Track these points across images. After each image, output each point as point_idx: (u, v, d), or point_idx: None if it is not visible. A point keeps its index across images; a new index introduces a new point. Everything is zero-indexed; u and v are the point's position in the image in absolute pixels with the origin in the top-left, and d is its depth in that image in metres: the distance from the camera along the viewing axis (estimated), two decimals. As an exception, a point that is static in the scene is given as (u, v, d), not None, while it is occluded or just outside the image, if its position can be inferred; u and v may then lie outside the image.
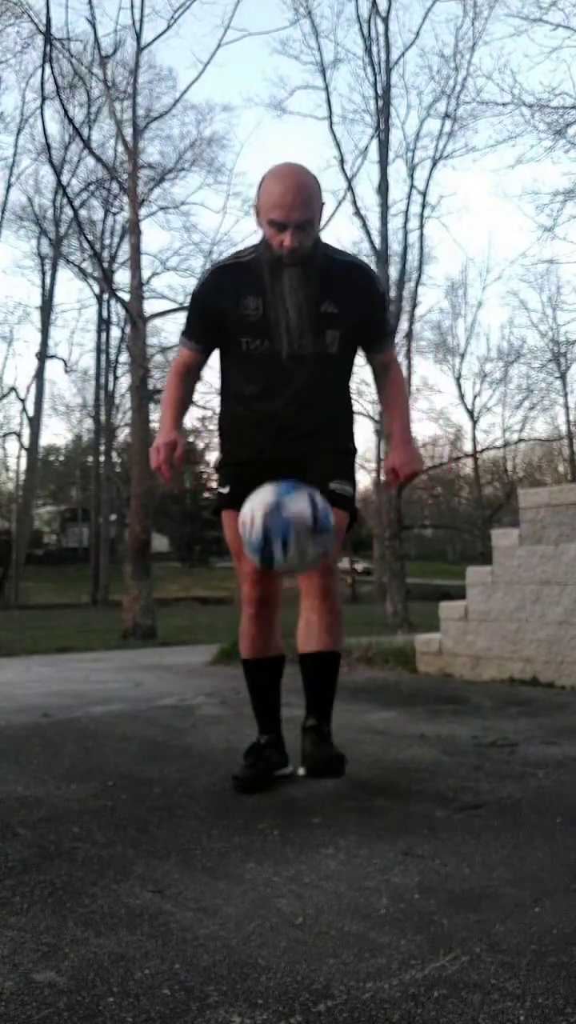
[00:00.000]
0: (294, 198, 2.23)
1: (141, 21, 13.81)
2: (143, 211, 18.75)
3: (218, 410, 2.61)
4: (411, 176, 17.47)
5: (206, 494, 43.64)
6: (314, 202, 2.28)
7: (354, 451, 2.56)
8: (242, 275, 2.36)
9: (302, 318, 2.32)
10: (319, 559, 2.18)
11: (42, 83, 13.00)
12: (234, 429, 2.50)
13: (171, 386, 2.56)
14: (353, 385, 2.63)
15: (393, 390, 2.56)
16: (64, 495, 45.16)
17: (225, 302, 2.37)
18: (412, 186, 17.46)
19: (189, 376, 2.54)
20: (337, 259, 2.41)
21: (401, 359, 17.72)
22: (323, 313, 2.34)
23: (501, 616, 4.72)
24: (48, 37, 11.66)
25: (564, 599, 4.43)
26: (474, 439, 31.33)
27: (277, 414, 2.38)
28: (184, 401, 2.56)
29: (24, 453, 31.40)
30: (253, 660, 2.50)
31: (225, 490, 2.46)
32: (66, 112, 14.15)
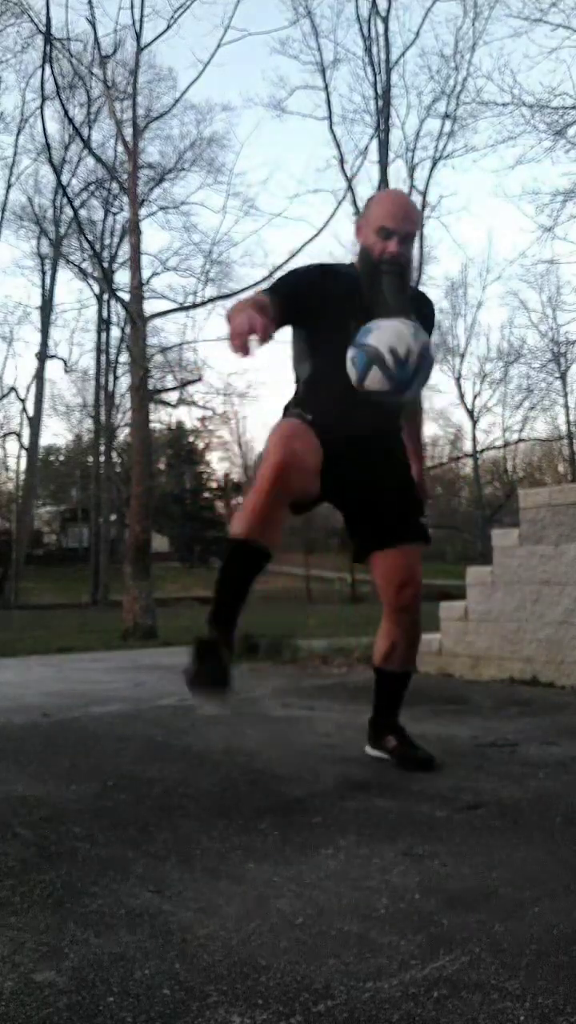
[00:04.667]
0: (405, 211, 2.49)
1: (141, 21, 13.81)
2: (143, 211, 18.78)
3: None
4: (411, 176, 17.53)
5: (206, 494, 43.69)
6: (418, 221, 2.58)
7: None
8: (346, 275, 2.51)
9: (400, 317, 2.35)
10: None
11: (42, 83, 13.03)
12: (324, 402, 2.38)
13: (246, 302, 2.27)
14: None
15: (416, 427, 2.77)
16: (64, 495, 45.14)
17: (331, 286, 2.45)
18: (412, 186, 17.50)
19: (261, 305, 2.25)
20: (413, 288, 2.62)
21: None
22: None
23: (501, 616, 4.72)
24: (48, 37, 11.66)
25: (564, 599, 4.43)
26: (474, 439, 31.36)
27: (368, 405, 2.34)
28: (266, 307, 2.26)
29: (24, 453, 31.43)
30: (252, 543, 2.21)
31: (309, 416, 2.33)
32: (66, 112, 14.19)
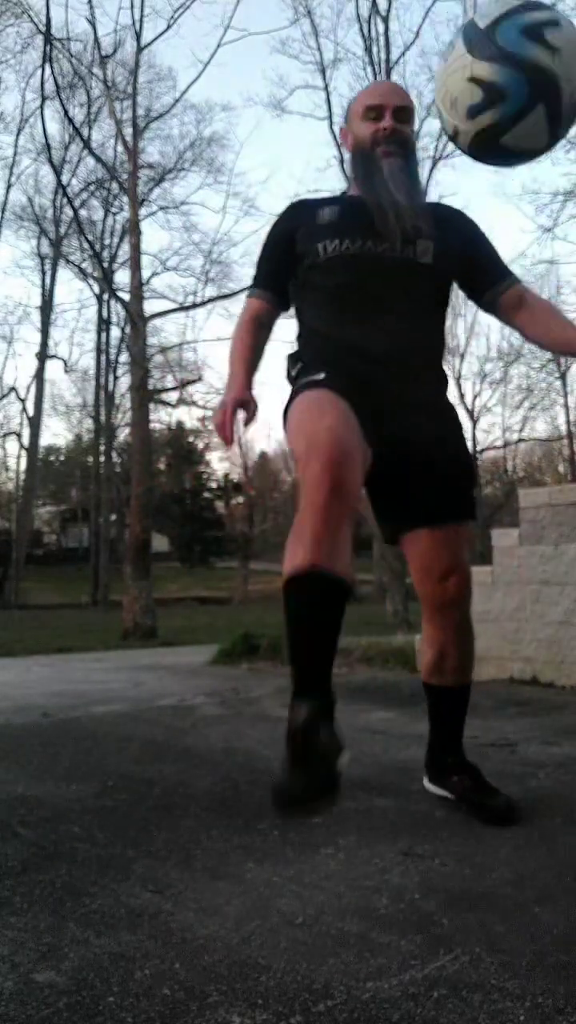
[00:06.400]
0: (391, 87, 2.17)
1: (141, 21, 13.87)
2: (143, 211, 18.76)
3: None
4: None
5: (206, 494, 43.69)
6: (410, 101, 2.08)
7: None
8: (322, 200, 2.13)
9: (413, 203, 1.97)
10: None
11: (42, 83, 13.05)
12: (330, 341, 2.02)
13: (239, 339, 2.08)
14: None
15: (551, 311, 2.11)
16: (64, 495, 45.14)
17: (299, 221, 2.07)
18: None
19: (261, 329, 2.10)
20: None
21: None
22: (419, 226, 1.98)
23: (501, 616, 4.72)
24: (48, 37, 11.66)
25: (564, 599, 4.43)
26: (474, 439, 31.31)
27: (395, 336, 1.96)
28: (256, 355, 2.08)
29: (24, 453, 31.43)
30: (315, 572, 1.57)
31: (319, 375, 1.88)
32: (66, 112, 14.18)
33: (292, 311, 2.18)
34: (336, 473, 1.61)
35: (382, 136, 2.00)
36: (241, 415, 1.88)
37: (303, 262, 2.03)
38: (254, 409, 1.91)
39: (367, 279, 1.97)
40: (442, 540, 1.98)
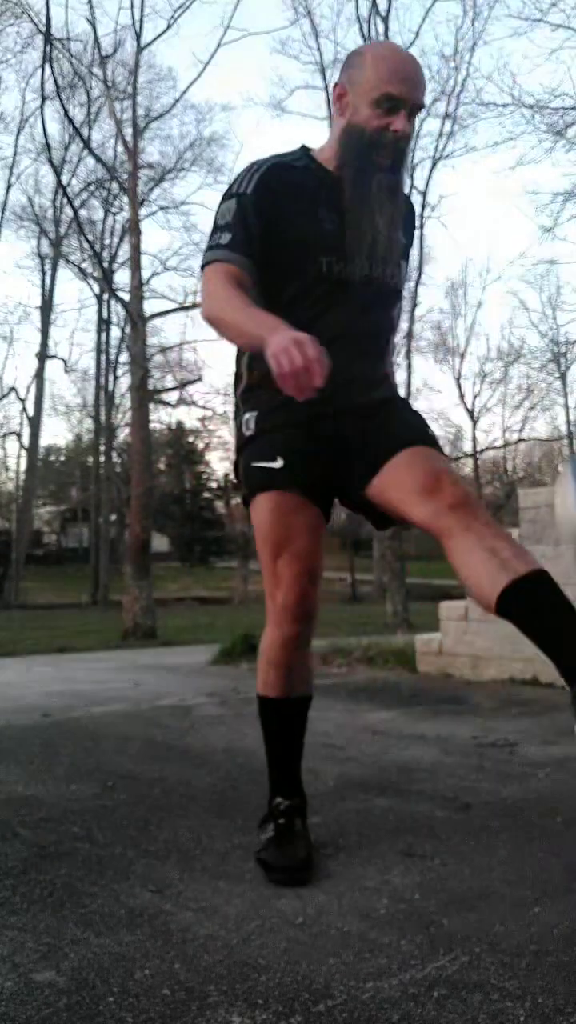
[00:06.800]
0: (414, 72, 1.73)
1: (141, 21, 13.85)
2: (143, 211, 18.77)
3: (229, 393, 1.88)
4: (411, 176, 17.48)
5: (206, 494, 43.67)
6: (425, 88, 1.79)
7: None
8: (305, 179, 1.80)
9: (392, 237, 1.79)
10: None
11: (42, 83, 13.00)
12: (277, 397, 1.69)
13: (229, 292, 1.68)
14: None
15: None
16: (64, 495, 45.14)
17: (292, 205, 1.76)
18: (412, 186, 17.46)
19: (243, 287, 1.71)
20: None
21: (401, 359, 17.77)
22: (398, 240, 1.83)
23: (501, 616, 4.72)
24: (48, 37, 11.65)
25: (564, 599, 4.42)
26: (474, 439, 31.33)
27: (353, 356, 1.74)
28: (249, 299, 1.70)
29: (24, 453, 31.43)
30: (283, 699, 1.85)
31: (275, 464, 1.74)
32: (66, 112, 14.15)
33: None
34: (306, 603, 1.77)
35: (391, 141, 1.73)
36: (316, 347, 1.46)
37: (297, 255, 1.76)
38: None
39: (355, 297, 1.78)
40: (414, 455, 1.70)
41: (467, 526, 1.56)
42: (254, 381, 1.80)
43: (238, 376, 1.88)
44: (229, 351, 1.90)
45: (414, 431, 1.77)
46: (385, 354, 1.91)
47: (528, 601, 1.50)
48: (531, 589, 1.50)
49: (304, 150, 1.86)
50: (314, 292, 1.76)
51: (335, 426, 1.75)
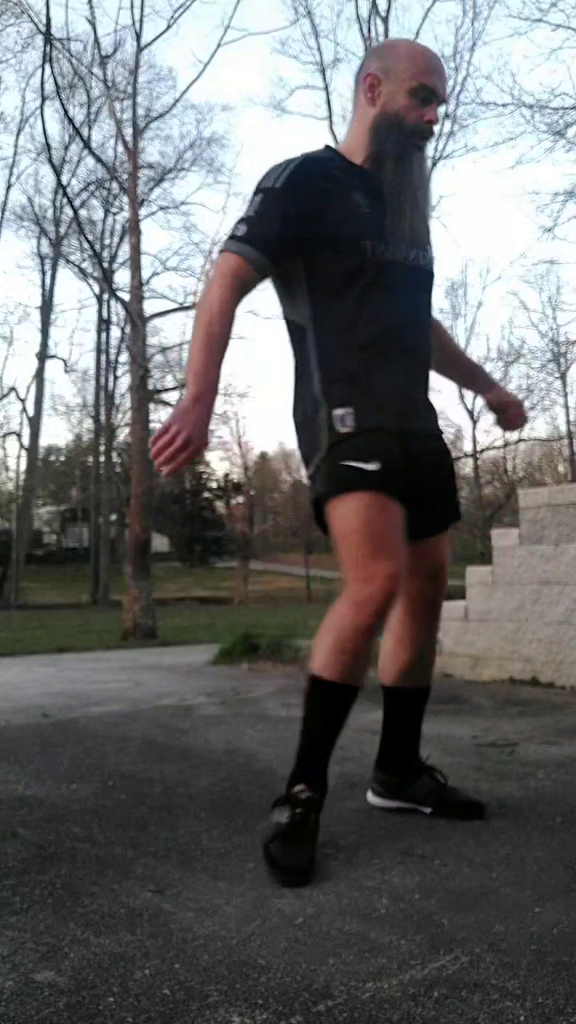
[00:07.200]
0: (443, 70, 1.90)
1: (141, 21, 13.79)
2: (143, 211, 18.78)
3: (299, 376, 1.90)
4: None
5: (206, 494, 43.66)
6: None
7: None
8: (335, 170, 1.84)
9: (428, 221, 1.91)
10: None
11: (42, 83, 13.03)
12: (372, 373, 1.82)
13: (213, 309, 1.76)
14: None
15: (442, 331, 2.17)
16: (64, 495, 45.17)
17: (330, 191, 1.80)
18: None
19: (239, 295, 1.79)
20: None
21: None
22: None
23: (501, 616, 4.72)
24: (48, 37, 11.64)
25: (564, 599, 4.43)
26: (474, 439, 31.38)
27: (415, 377, 1.90)
28: (226, 336, 1.78)
29: (24, 453, 31.45)
30: (341, 684, 1.81)
31: (370, 466, 1.76)
32: (66, 112, 14.12)
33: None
34: (384, 610, 1.78)
35: (427, 128, 1.85)
36: (187, 451, 1.64)
37: (337, 240, 1.79)
38: (203, 446, 1.69)
39: (399, 285, 1.84)
40: (443, 539, 2.02)
41: (424, 620, 2.03)
42: (352, 369, 1.82)
43: (307, 367, 1.87)
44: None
45: (453, 510, 2.05)
46: (429, 365, 1.99)
47: (406, 706, 2.07)
48: (415, 699, 2.07)
49: (328, 149, 1.92)
50: (364, 274, 1.80)
51: (412, 451, 1.84)
